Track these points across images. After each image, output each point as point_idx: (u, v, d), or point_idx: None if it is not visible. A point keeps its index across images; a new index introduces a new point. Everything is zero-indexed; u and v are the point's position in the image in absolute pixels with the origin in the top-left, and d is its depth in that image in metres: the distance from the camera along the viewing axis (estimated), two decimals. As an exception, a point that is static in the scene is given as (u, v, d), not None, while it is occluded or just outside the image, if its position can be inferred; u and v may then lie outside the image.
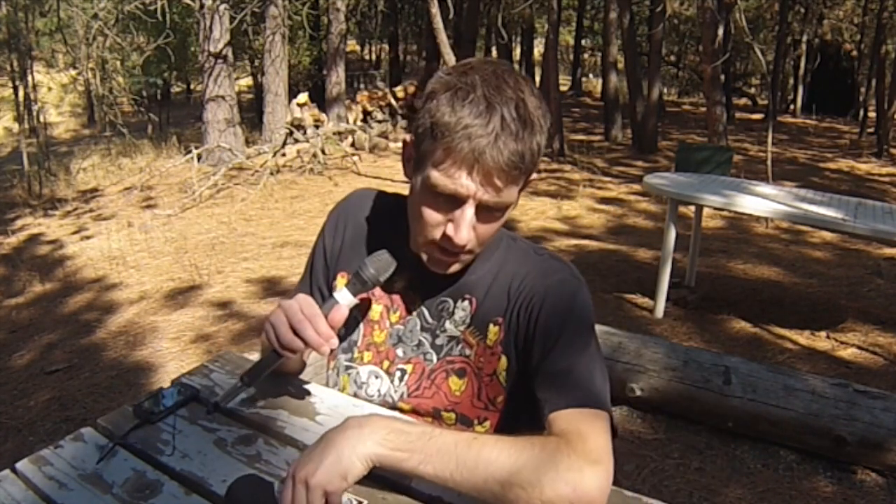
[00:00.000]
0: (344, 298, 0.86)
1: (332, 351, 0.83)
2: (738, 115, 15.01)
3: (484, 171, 0.77)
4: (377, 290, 0.97)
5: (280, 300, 0.86)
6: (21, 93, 11.94)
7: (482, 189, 0.78)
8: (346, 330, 1.01)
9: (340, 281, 1.00)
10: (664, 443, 2.40)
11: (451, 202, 0.81)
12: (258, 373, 0.91)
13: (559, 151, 8.89)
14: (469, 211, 0.80)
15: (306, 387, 1.00)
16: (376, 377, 0.98)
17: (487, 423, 0.92)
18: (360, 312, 0.99)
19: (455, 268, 0.89)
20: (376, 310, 0.98)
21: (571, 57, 22.48)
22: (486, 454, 0.70)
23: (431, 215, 0.83)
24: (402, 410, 0.94)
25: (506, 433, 0.84)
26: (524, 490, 0.68)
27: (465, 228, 0.80)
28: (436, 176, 0.79)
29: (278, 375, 1.02)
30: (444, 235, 0.82)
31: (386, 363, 0.97)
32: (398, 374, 0.96)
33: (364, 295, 0.96)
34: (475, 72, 0.79)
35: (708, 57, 6.72)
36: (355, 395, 0.99)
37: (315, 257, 1.05)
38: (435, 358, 0.94)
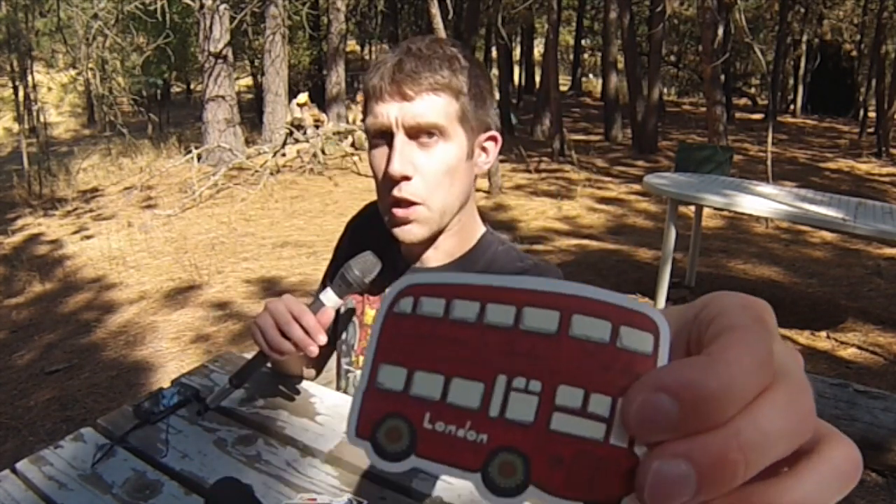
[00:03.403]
0: (329, 300, 0.85)
1: (320, 350, 0.82)
2: (738, 115, 15.02)
3: (396, 87, 0.79)
4: (372, 296, 0.97)
5: (267, 301, 0.85)
6: (21, 93, 11.94)
7: (399, 106, 0.80)
8: (346, 335, 1.01)
9: None
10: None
11: (386, 139, 0.83)
12: (247, 374, 0.91)
13: (559, 151, 8.89)
14: (399, 139, 0.81)
15: (306, 387, 1.00)
16: None
17: None
18: (356, 316, 0.99)
19: (416, 231, 0.87)
20: (370, 314, 0.99)
21: (571, 57, 22.49)
22: None
23: (375, 161, 0.85)
24: None
25: None
26: None
27: (395, 154, 0.81)
28: (367, 122, 0.83)
29: (280, 376, 1.02)
30: (387, 175, 0.83)
31: None
32: None
33: (357, 297, 0.96)
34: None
35: (708, 57, 6.72)
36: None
37: (330, 269, 1.06)
38: None
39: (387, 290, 0.21)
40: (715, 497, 0.17)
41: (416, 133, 0.81)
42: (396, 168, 0.81)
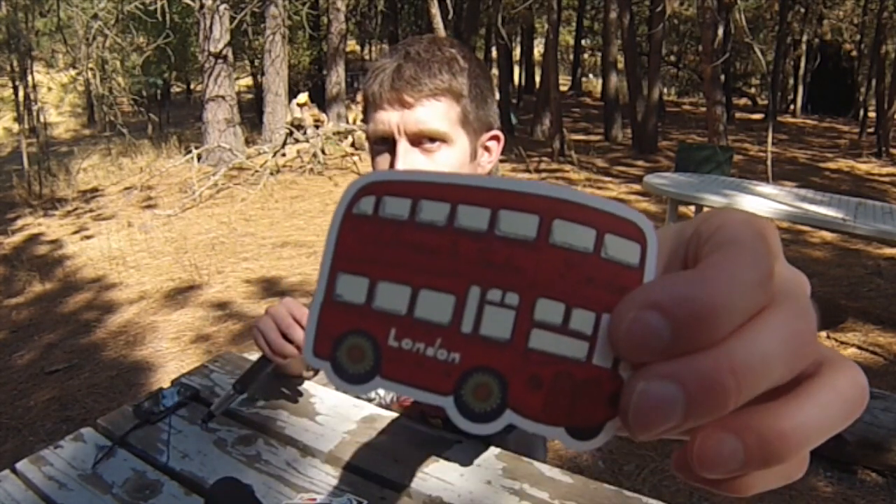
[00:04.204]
0: None
1: None
2: (738, 115, 15.02)
3: (395, 94, 0.79)
4: None
5: (269, 307, 0.85)
6: (21, 93, 11.94)
7: (400, 114, 0.80)
8: None
9: None
10: (664, 443, 2.40)
11: (388, 146, 0.82)
12: (250, 379, 0.91)
13: (559, 151, 8.89)
14: (401, 146, 0.81)
15: (306, 387, 1.00)
16: None
17: None
18: None
19: None
20: None
21: (571, 57, 22.48)
22: None
23: (378, 167, 0.85)
24: (396, 412, 0.94)
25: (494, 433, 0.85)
26: None
27: (399, 161, 0.81)
28: (368, 129, 0.83)
29: (281, 377, 1.02)
30: None
31: None
32: None
33: None
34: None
35: (708, 57, 6.72)
36: (357, 397, 0.99)
37: None
38: None
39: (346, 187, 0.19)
40: (704, 422, 0.16)
41: (419, 139, 0.81)
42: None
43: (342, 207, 0.19)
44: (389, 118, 0.80)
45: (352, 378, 0.18)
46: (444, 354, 0.17)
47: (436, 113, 0.80)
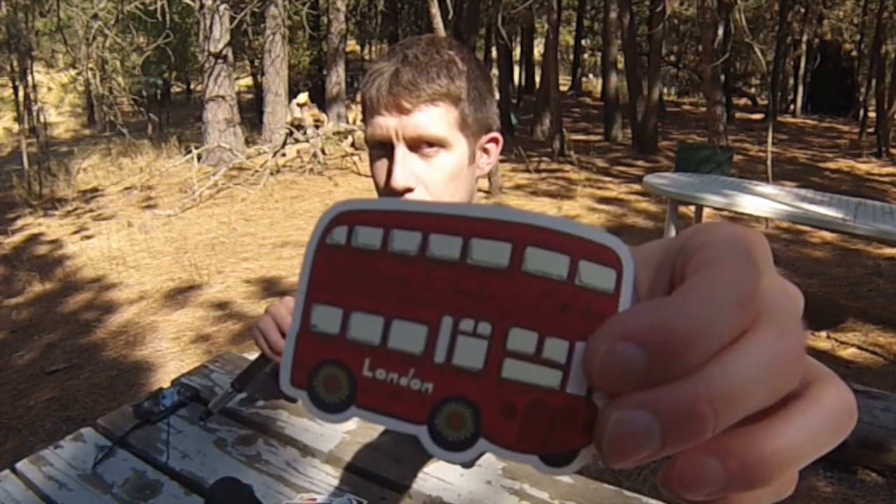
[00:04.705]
0: None
1: None
2: (738, 115, 15.02)
3: (393, 100, 0.79)
4: None
5: (269, 307, 0.85)
6: (21, 93, 11.94)
7: (398, 120, 0.79)
8: None
9: None
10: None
11: (386, 151, 0.82)
12: (249, 378, 0.91)
13: (559, 151, 8.89)
14: (399, 151, 0.81)
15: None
16: None
17: None
18: None
19: None
20: None
21: (571, 57, 22.48)
22: None
23: (377, 172, 0.85)
24: None
25: None
26: None
27: (397, 167, 0.80)
28: (366, 133, 0.83)
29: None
30: (389, 187, 0.83)
31: None
32: None
33: None
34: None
35: (708, 57, 6.72)
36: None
37: None
38: None
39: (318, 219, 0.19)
40: (683, 449, 0.16)
41: (417, 144, 0.81)
42: (399, 182, 0.81)
43: (315, 238, 0.19)
44: (387, 123, 0.80)
45: (328, 407, 0.18)
46: (418, 384, 0.17)
47: (434, 118, 0.80)
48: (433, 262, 0.18)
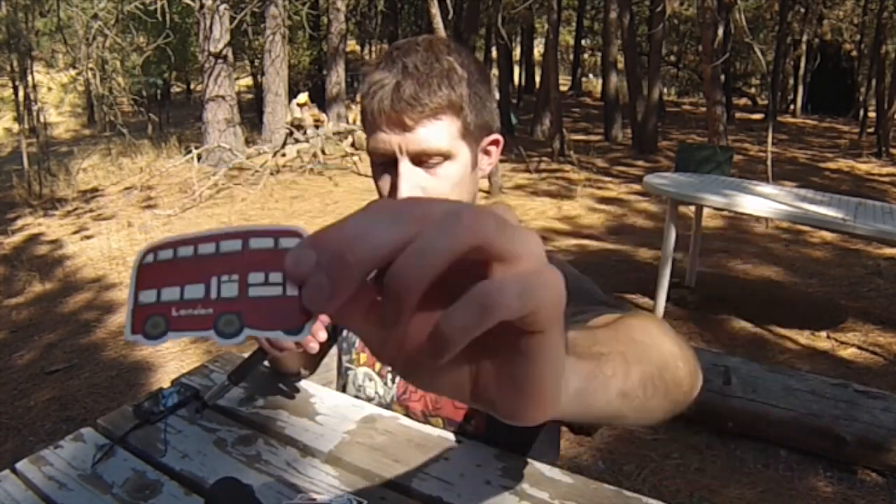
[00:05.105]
0: None
1: (319, 346, 0.82)
2: (738, 115, 15.02)
3: (395, 116, 0.77)
4: None
5: None
6: (21, 93, 11.93)
7: (400, 136, 0.78)
8: (346, 332, 1.01)
9: None
10: (664, 443, 2.40)
11: (390, 166, 0.82)
12: (246, 371, 0.91)
13: (559, 151, 8.89)
14: (404, 166, 0.80)
15: (306, 387, 1.00)
16: (370, 379, 0.98)
17: (473, 422, 0.92)
18: None
19: None
20: None
21: (571, 57, 22.49)
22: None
23: (381, 184, 0.84)
24: (397, 411, 0.95)
25: (493, 432, 0.86)
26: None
27: (403, 183, 0.80)
28: (369, 145, 0.82)
29: (279, 375, 1.02)
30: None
31: (378, 365, 0.97)
32: (389, 376, 0.97)
33: None
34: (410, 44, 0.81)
35: (708, 57, 6.72)
36: (356, 397, 0.99)
37: None
38: None
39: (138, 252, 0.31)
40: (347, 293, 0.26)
41: (420, 158, 0.80)
42: (404, 195, 0.80)
43: (137, 262, 0.31)
44: (390, 139, 0.79)
45: (155, 337, 0.29)
46: (203, 311, 0.29)
47: (437, 132, 0.79)
48: (203, 256, 0.30)
